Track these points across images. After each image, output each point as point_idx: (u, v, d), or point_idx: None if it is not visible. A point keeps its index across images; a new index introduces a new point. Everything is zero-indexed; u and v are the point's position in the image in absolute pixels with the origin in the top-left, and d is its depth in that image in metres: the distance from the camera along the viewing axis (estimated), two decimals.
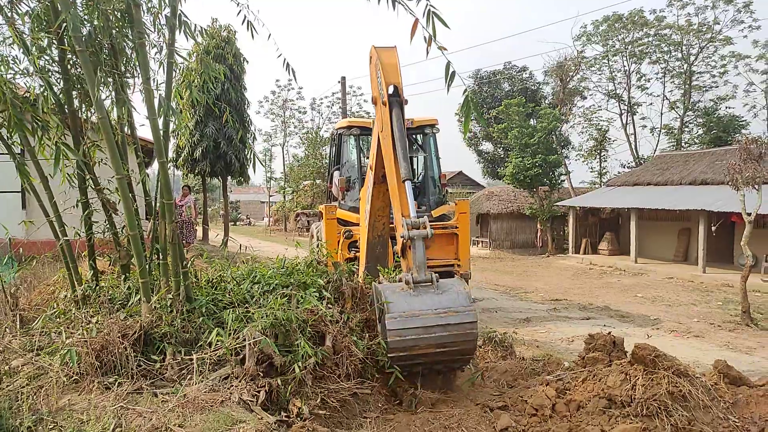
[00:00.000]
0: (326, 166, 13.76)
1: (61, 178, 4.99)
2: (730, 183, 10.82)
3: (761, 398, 4.26)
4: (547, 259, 22.66)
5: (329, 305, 5.26)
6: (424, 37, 3.71)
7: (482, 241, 26.52)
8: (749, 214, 10.34)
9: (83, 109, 5.32)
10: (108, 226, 5.43)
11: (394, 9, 3.88)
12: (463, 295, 4.90)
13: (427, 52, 3.79)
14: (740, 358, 7.69)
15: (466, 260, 9.82)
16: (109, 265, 6.05)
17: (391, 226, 7.03)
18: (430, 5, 3.79)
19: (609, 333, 5.28)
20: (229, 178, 24.35)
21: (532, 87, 35.60)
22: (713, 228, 15.96)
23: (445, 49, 3.70)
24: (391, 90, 6.09)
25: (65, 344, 4.28)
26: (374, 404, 4.69)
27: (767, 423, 4.05)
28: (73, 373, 4.11)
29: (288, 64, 5.88)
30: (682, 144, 28.82)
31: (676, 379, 4.14)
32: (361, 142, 10.65)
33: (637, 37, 28.60)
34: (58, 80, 5.14)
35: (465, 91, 3.94)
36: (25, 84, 5.32)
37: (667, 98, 29.82)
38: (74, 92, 5.18)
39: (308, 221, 31.10)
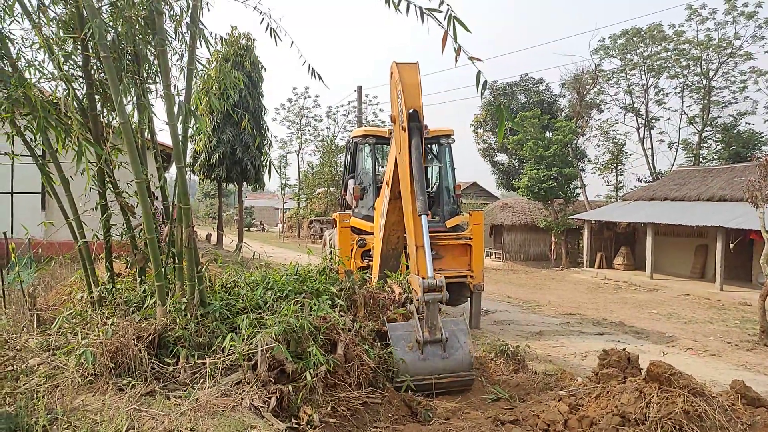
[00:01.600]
0: (341, 174, 13.82)
1: (80, 179, 5.06)
2: (749, 200, 10.67)
3: None
4: (561, 273, 22.46)
5: (342, 313, 5.27)
6: (454, 48, 3.75)
7: (496, 253, 26.39)
8: None
9: (105, 114, 5.41)
10: (126, 228, 5.50)
11: (423, 21, 3.93)
12: (467, 360, 5.50)
13: (456, 61, 3.83)
14: (758, 379, 7.54)
15: (479, 271, 9.78)
16: (126, 267, 6.12)
17: (405, 236, 7.07)
18: (451, 10, 3.84)
19: (623, 349, 5.22)
20: (244, 183, 24.54)
21: (549, 99, 35.50)
22: (731, 245, 15.72)
23: (479, 59, 3.73)
24: (411, 112, 6.13)
25: (81, 345, 4.33)
26: (384, 414, 4.67)
27: None
28: (88, 373, 4.15)
29: (314, 69, 5.97)
30: (701, 159, 28.51)
31: (691, 398, 4.07)
32: (376, 151, 10.69)
33: (655, 51, 28.44)
34: (82, 85, 5.24)
35: (498, 101, 4.01)
36: (50, 88, 5.44)
37: (685, 113, 29.58)
38: (97, 97, 5.28)
39: (321, 228, 31.16)
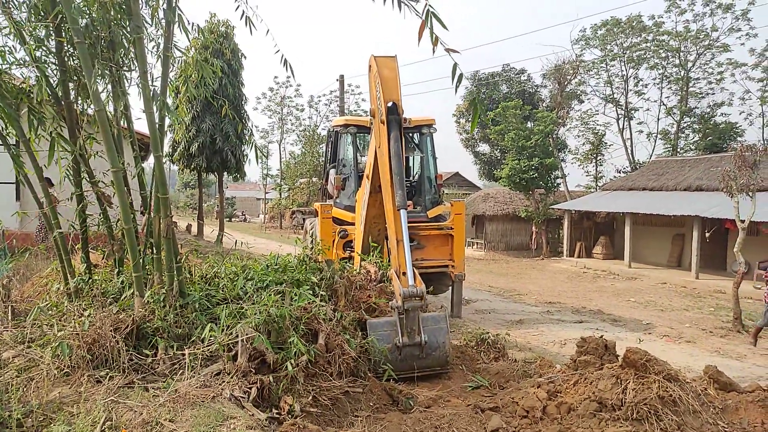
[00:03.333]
0: (323, 164, 13.77)
1: (55, 168, 4.96)
2: (724, 190, 10.87)
3: (750, 404, 4.28)
4: (542, 262, 22.71)
5: (322, 303, 5.27)
6: (431, 39, 3.71)
7: (477, 243, 26.57)
8: (743, 221, 10.40)
9: (79, 102, 5.29)
10: (102, 219, 5.41)
11: (400, 10, 3.89)
12: (443, 359, 5.67)
13: (433, 52, 3.81)
14: (731, 364, 7.73)
15: (460, 261, 9.84)
16: (103, 258, 6.03)
17: (386, 228, 7.09)
18: (429, 5, 3.80)
19: (601, 337, 5.30)
20: (225, 174, 24.29)
21: (530, 90, 35.67)
22: (707, 234, 16.03)
23: (456, 51, 3.71)
24: (389, 104, 6.11)
25: (57, 337, 4.27)
26: (366, 403, 4.69)
27: (756, 429, 4.08)
28: (64, 365, 4.10)
29: (286, 60, 5.86)
30: (678, 150, 28.94)
31: (666, 383, 4.15)
32: (357, 140, 10.64)
33: (635, 42, 28.70)
34: (55, 71, 5.11)
35: (473, 95, 3.98)
36: (21, 75, 5.30)
37: (664, 104, 29.96)
38: (71, 84, 5.15)
39: (303, 219, 31.09)
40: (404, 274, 5.61)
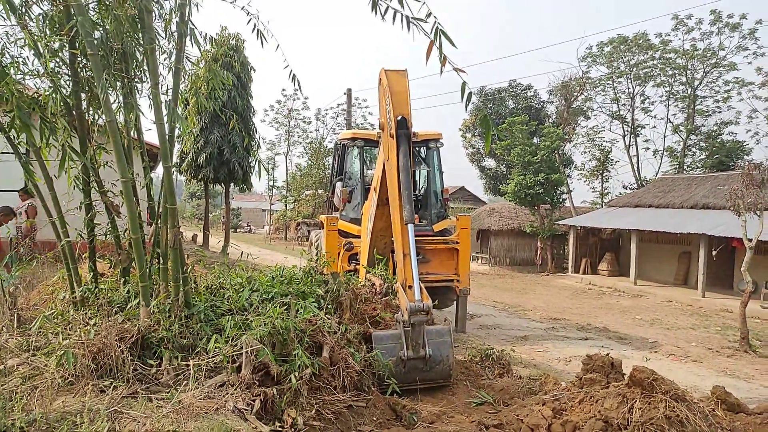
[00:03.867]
0: (329, 176, 13.82)
1: (66, 179, 5.01)
2: (731, 208, 10.83)
3: (759, 426, 4.23)
4: (547, 278, 22.61)
5: (327, 315, 5.26)
6: (439, 58, 3.75)
7: (482, 257, 26.49)
8: (750, 240, 10.34)
9: (91, 112, 5.35)
10: (110, 228, 5.44)
11: (408, 30, 3.92)
12: (446, 372, 5.68)
13: (441, 72, 3.84)
14: (738, 385, 7.64)
15: (465, 276, 9.82)
16: (110, 267, 6.05)
17: (392, 241, 7.11)
18: (438, 23, 3.84)
19: (607, 354, 5.26)
20: (231, 185, 24.41)
21: (537, 105, 35.78)
22: (714, 253, 15.94)
23: (463, 71, 3.74)
24: (399, 119, 6.15)
25: (62, 345, 4.27)
26: (369, 417, 4.66)
27: None
28: (69, 374, 4.09)
29: (294, 75, 5.92)
30: (685, 167, 28.89)
31: (673, 403, 4.11)
32: (364, 153, 10.69)
33: (641, 60, 28.81)
34: (68, 82, 5.18)
35: (483, 113, 4.02)
36: (35, 85, 5.37)
37: (670, 121, 29.99)
38: (83, 95, 5.22)
39: (309, 231, 31.13)
40: (410, 287, 5.61)
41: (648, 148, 30.95)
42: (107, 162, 5.28)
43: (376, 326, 5.86)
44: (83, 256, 5.71)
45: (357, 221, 9.79)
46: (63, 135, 4.87)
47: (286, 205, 41.90)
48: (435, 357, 5.53)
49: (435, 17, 3.83)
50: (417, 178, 11.36)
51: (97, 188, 5.31)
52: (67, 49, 5.02)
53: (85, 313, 4.93)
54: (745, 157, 26.90)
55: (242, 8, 5.33)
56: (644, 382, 4.27)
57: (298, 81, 5.99)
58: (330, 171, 13.54)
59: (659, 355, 9.53)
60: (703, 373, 8.43)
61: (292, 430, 3.99)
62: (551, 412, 4.49)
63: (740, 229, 10.78)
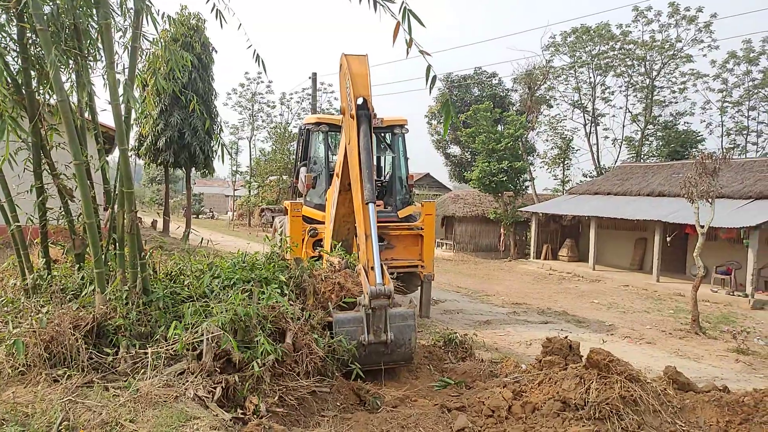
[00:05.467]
0: (293, 161, 13.64)
1: (16, 158, 4.78)
2: (685, 196, 11.19)
3: (707, 404, 4.42)
4: (509, 264, 23.02)
5: (291, 302, 5.21)
6: (405, 40, 3.70)
7: (446, 243, 26.75)
8: (702, 227, 10.73)
9: (41, 91, 5.11)
10: (63, 213, 5.24)
11: (375, 11, 3.87)
12: (408, 355, 5.76)
13: (407, 54, 3.80)
14: (689, 365, 7.97)
15: (429, 261, 9.89)
16: (63, 253, 5.84)
17: (354, 227, 7.08)
18: (406, 3, 3.79)
19: (566, 337, 5.40)
20: (193, 169, 23.86)
21: (501, 93, 36.13)
22: (668, 239, 16.50)
23: (429, 54, 3.71)
24: (360, 101, 6.12)
25: (12, 334, 4.11)
26: (333, 403, 4.67)
27: (711, 427, 4.21)
28: (20, 364, 3.95)
29: (258, 55, 5.79)
30: (642, 156, 29.74)
31: (628, 383, 4.25)
32: (329, 138, 10.59)
33: (603, 50, 29.38)
34: (16, 59, 4.93)
35: (445, 97, 3.99)
36: None
37: (629, 111, 30.77)
38: (32, 72, 4.97)
39: (273, 217, 30.79)
40: (372, 269, 5.60)
41: (607, 137, 31.92)
42: (59, 144, 5.06)
43: (339, 308, 5.84)
44: (35, 242, 5.49)
45: (321, 207, 9.71)
46: (4, 109, 4.60)
47: (249, 191, 41.27)
48: (397, 340, 5.56)
49: None
50: (382, 164, 11.33)
51: (49, 170, 5.09)
52: (15, 23, 4.77)
53: (37, 301, 4.76)
54: (699, 146, 27.91)
55: None
56: (601, 364, 4.40)
57: (262, 61, 5.86)
58: (294, 156, 13.36)
59: (615, 338, 9.85)
60: (657, 354, 8.75)
61: (254, 416, 3.96)
62: (512, 394, 4.58)
63: (693, 216, 11.17)
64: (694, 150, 26.82)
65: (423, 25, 3.80)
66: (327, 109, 41.20)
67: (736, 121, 29.00)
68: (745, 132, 28.94)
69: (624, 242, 21.00)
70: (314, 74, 27.57)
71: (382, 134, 10.61)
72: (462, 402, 4.77)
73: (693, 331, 10.41)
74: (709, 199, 10.72)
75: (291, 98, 43.77)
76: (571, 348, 5.21)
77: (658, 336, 10.23)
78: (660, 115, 29.78)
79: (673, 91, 29.12)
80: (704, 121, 30.20)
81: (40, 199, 5.09)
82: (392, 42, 3.80)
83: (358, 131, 6.05)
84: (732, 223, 14.31)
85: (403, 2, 3.80)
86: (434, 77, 3.78)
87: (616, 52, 29.11)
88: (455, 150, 38.12)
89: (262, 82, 42.62)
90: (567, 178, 32.16)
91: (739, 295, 14.49)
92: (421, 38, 3.74)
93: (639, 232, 20.13)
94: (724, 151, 27.39)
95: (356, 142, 6.03)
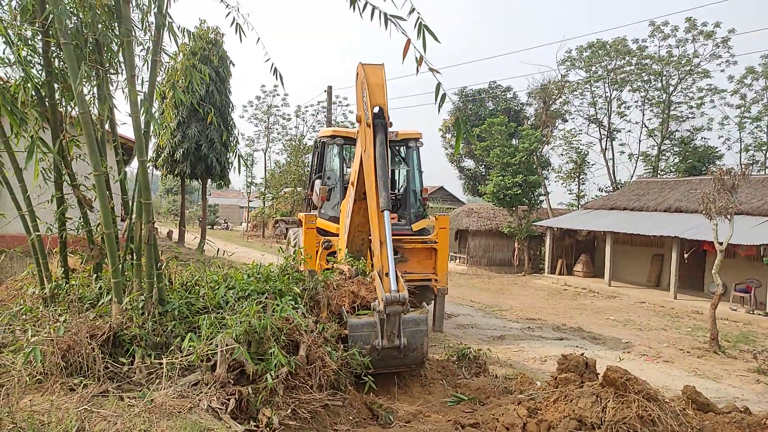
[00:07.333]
0: (308, 174, 13.71)
1: (34, 171, 4.87)
2: (703, 212, 11.05)
3: (727, 425, 4.32)
4: (523, 278, 22.83)
5: (305, 314, 5.22)
6: (415, 57, 3.72)
7: (460, 257, 26.63)
8: (721, 243, 10.57)
9: (63, 103, 5.22)
10: (82, 223, 5.31)
11: (386, 28, 3.89)
12: (420, 359, 5.79)
13: (417, 71, 3.81)
14: (708, 385, 7.81)
15: (443, 275, 9.84)
16: (81, 263, 5.91)
17: (370, 238, 7.09)
18: (421, 19, 3.81)
19: (581, 354, 5.32)
20: (209, 180, 24.11)
21: (516, 107, 36.10)
22: (685, 255, 16.27)
23: (438, 72, 3.72)
24: (376, 110, 6.17)
25: (30, 342, 4.15)
26: (345, 417, 4.64)
27: None
28: (37, 372, 3.99)
29: (276, 69, 5.86)
30: (659, 171, 29.45)
31: (645, 403, 4.18)
32: (344, 151, 10.64)
33: (619, 65, 29.27)
34: (40, 72, 5.04)
35: (456, 115, 3.99)
36: (5, 74, 5.21)
37: (645, 126, 30.52)
38: (56, 85, 5.08)
39: (287, 228, 30.91)
40: (387, 275, 5.62)
41: (623, 152, 31.50)
42: (80, 155, 5.15)
43: (352, 312, 5.86)
44: (54, 251, 5.57)
45: (336, 219, 9.73)
46: (34, 126, 4.73)
47: (264, 203, 41.55)
48: (410, 345, 5.61)
49: (418, 13, 3.80)
50: (396, 177, 11.34)
51: (69, 181, 5.18)
52: (40, 38, 4.88)
53: (55, 310, 4.81)
54: (717, 162, 27.57)
55: (221, 0, 5.25)
56: (617, 382, 4.33)
57: (279, 74, 5.93)
58: (309, 168, 13.43)
59: (632, 356, 9.69)
60: (674, 373, 8.59)
61: (267, 429, 3.95)
62: (526, 412, 4.52)
63: (711, 232, 11.01)
64: (712, 166, 26.48)
65: (438, 41, 3.81)
66: (342, 122, 41.47)
67: (755, 136, 28.59)
68: (764, 148, 28.50)
69: (640, 258, 20.74)
70: (330, 87, 27.79)
71: (397, 148, 10.64)
72: (476, 419, 4.72)
73: (712, 350, 10.21)
74: (728, 216, 10.56)
75: (306, 111, 44.21)
76: (587, 365, 5.13)
77: (676, 354, 10.05)
78: (677, 131, 29.52)
79: (691, 107, 28.85)
80: (722, 136, 29.87)
81: (60, 209, 5.17)
82: (402, 59, 3.82)
83: (374, 140, 6.10)
84: (751, 240, 14.07)
85: (417, 18, 3.82)
86: (443, 95, 3.77)
87: (632, 67, 28.98)
88: (469, 163, 38.08)
89: (278, 95, 43.11)
90: (582, 193, 31.91)
91: (759, 314, 14.21)
92: (434, 55, 3.75)
93: (656, 248, 19.87)
94: (743, 166, 27.02)
95: (372, 150, 6.08)
